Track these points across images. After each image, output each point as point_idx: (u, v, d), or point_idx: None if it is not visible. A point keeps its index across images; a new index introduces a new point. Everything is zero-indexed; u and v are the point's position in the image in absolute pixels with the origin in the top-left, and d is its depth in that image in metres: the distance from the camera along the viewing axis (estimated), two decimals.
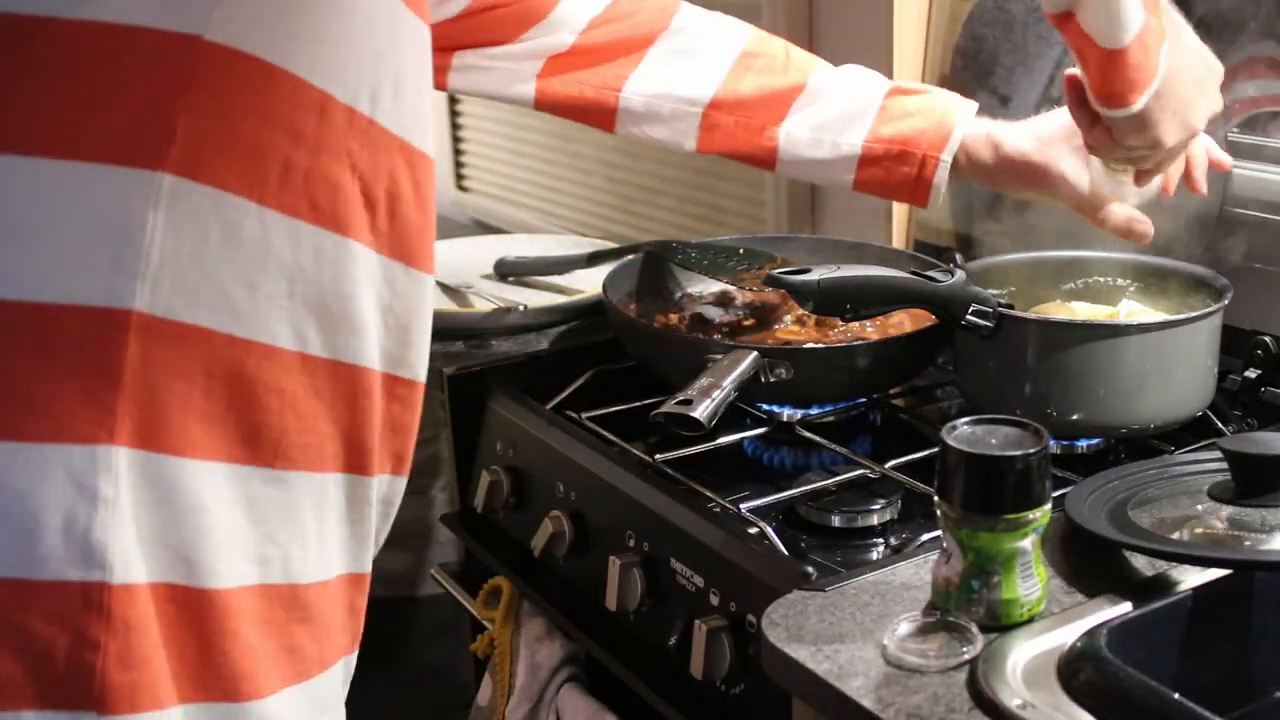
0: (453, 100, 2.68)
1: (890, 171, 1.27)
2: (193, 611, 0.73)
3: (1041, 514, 0.86)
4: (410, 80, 0.79)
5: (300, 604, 0.79)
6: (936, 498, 0.88)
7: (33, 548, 0.69)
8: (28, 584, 0.69)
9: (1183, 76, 1.06)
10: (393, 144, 0.78)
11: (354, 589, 0.84)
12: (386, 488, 0.85)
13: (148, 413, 0.71)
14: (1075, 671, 0.80)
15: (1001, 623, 0.87)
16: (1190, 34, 1.09)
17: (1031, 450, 0.85)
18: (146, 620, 0.71)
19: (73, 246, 0.69)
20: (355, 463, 0.81)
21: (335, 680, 0.83)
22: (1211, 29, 1.28)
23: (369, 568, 0.85)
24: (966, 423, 0.88)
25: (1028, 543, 0.86)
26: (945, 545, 0.88)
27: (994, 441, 0.86)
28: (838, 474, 1.18)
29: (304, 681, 0.79)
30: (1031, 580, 0.87)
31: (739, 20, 1.33)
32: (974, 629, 0.85)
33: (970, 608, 0.87)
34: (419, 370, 0.84)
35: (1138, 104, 1.03)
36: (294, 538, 0.78)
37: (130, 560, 0.70)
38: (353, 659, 0.85)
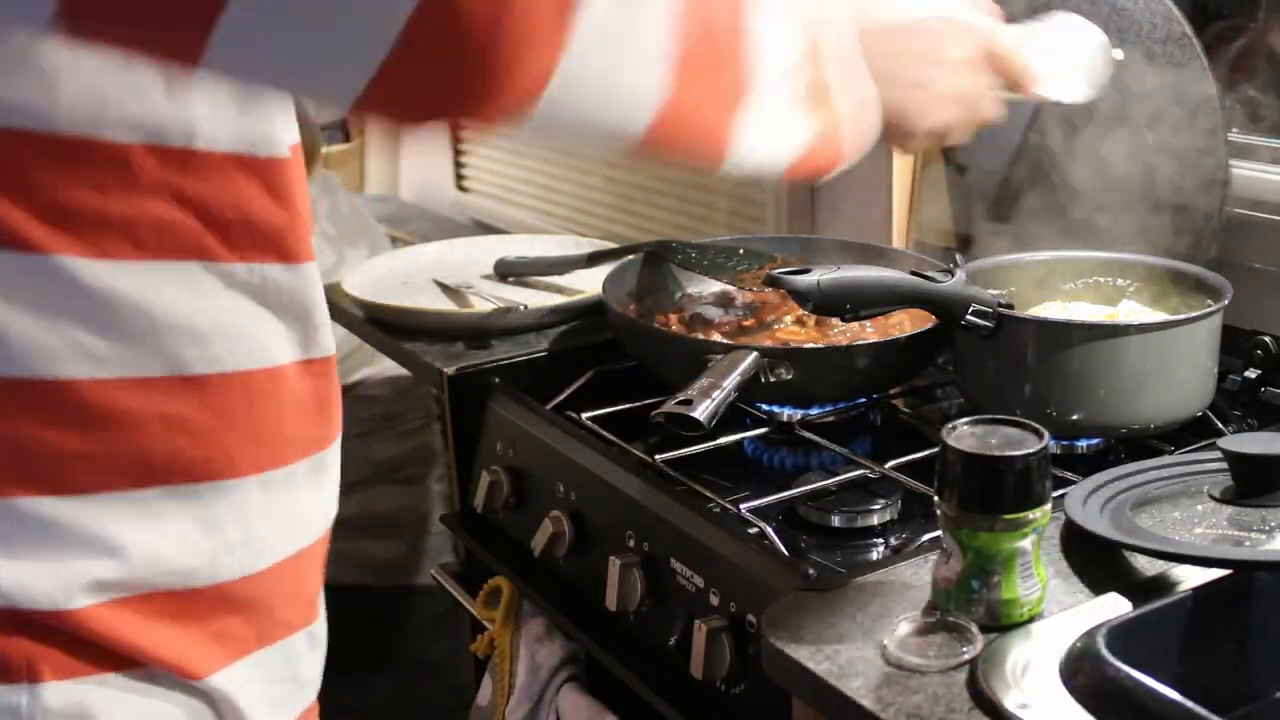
0: None
1: None
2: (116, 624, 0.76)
3: (1041, 514, 0.86)
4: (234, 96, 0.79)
5: (227, 599, 0.81)
6: (936, 498, 0.88)
7: None
8: None
9: (900, 74, 1.00)
10: (225, 163, 0.79)
11: (300, 565, 0.86)
12: (320, 457, 0.87)
13: (24, 465, 0.74)
14: (1075, 671, 0.80)
15: (1001, 623, 0.87)
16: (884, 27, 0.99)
17: (1031, 450, 0.85)
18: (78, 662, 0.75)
19: None
20: (272, 457, 0.82)
21: (292, 651, 0.86)
22: None
23: (317, 538, 0.87)
24: (967, 423, 0.88)
25: (1027, 543, 0.86)
26: (945, 545, 0.88)
27: (994, 442, 0.86)
28: (838, 474, 1.18)
29: (243, 657, 0.82)
30: (1031, 580, 0.87)
31: None
32: (974, 629, 0.85)
33: (970, 608, 0.87)
34: (329, 344, 0.87)
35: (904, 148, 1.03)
36: (218, 546, 0.80)
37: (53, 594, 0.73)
38: (316, 630, 0.89)
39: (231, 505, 0.81)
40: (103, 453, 0.76)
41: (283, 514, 0.85)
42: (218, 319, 0.79)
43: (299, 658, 0.89)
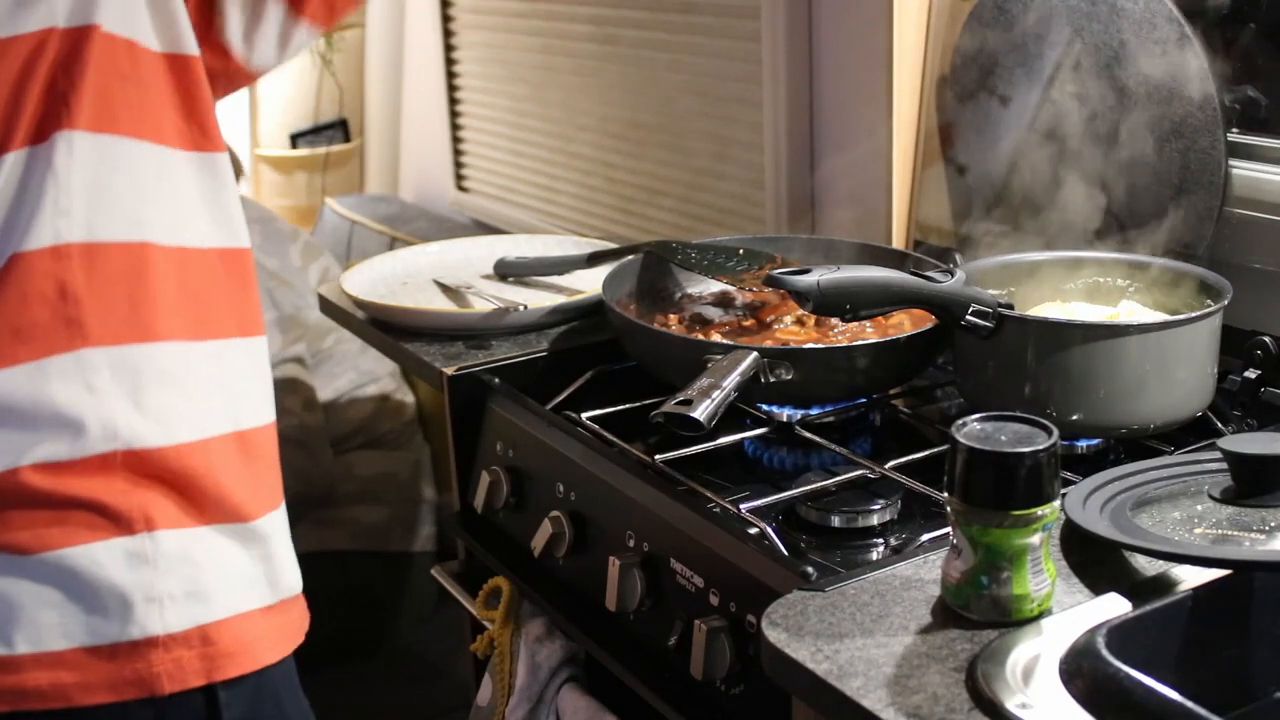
0: (453, 101, 2.68)
1: None
2: (175, 462, 0.96)
3: (1051, 510, 0.86)
4: None
5: (250, 445, 1.03)
6: (945, 494, 0.88)
7: (60, 432, 0.92)
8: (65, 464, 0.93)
9: None
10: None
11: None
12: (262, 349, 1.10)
13: (108, 315, 0.95)
14: (1075, 671, 0.80)
15: (1012, 618, 0.87)
16: None
17: (1042, 446, 0.85)
18: (156, 471, 0.95)
19: (28, 205, 0.93)
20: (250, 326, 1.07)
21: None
22: None
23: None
24: (976, 419, 0.88)
25: (1037, 539, 0.86)
26: (955, 542, 0.88)
27: (1004, 438, 0.86)
28: (838, 474, 1.18)
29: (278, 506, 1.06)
30: (1042, 576, 0.87)
31: None
32: None
33: (980, 604, 0.87)
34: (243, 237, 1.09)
35: None
36: (241, 393, 1.03)
37: (133, 427, 0.94)
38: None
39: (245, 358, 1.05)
40: (180, 305, 0.99)
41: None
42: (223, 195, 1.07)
43: None
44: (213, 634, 0.95)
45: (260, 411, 1.06)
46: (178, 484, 0.96)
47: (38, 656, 0.90)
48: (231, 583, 0.99)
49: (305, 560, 1.12)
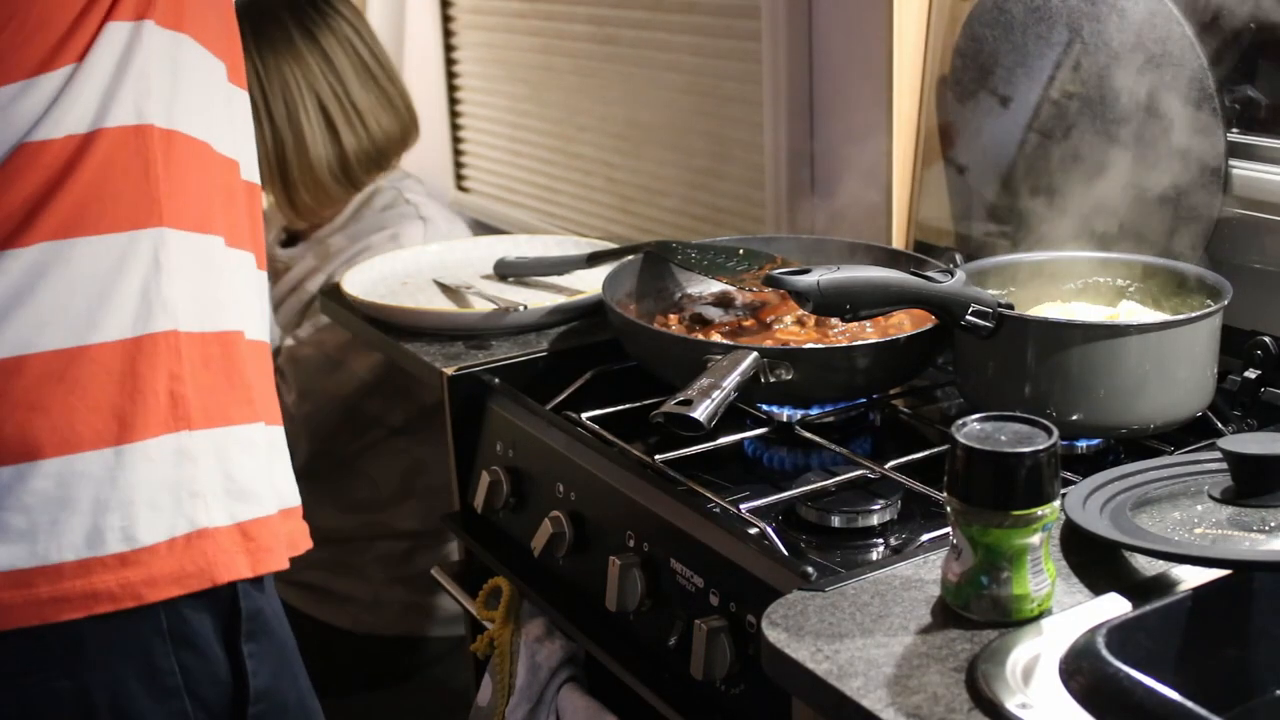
0: (453, 101, 2.68)
1: None
2: (227, 351, 1.02)
3: (1051, 510, 0.86)
4: None
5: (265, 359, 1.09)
6: (945, 494, 0.88)
7: (125, 307, 0.97)
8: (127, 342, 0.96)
9: None
10: None
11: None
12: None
13: (180, 201, 0.99)
14: (1075, 671, 0.80)
15: (1012, 618, 0.87)
16: None
17: (1042, 446, 0.85)
18: (202, 358, 1.00)
19: (110, 87, 0.97)
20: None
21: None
22: None
23: None
24: (976, 419, 0.88)
25: (1037, 539, 0.86)
26: (954, 542, 0.88)
27: (1004, 438, 0.86)
28: (838, 474, 1.18)
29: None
30: (1042, 576, 0.87)
31: None
32: None
33: (979, 603, 0.87)
34: (256, 174, 1.14)
35: None
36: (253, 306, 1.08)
37: (188, 311, 0.99)
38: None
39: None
40: (228, 208, 1.06)
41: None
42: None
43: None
44: (252, 530, 1.02)
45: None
46: (213, 373, 1.02)
47: (106, 559, 0.95)
48: (260, 483, 1.04)
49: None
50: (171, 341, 0.98)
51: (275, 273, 2.02)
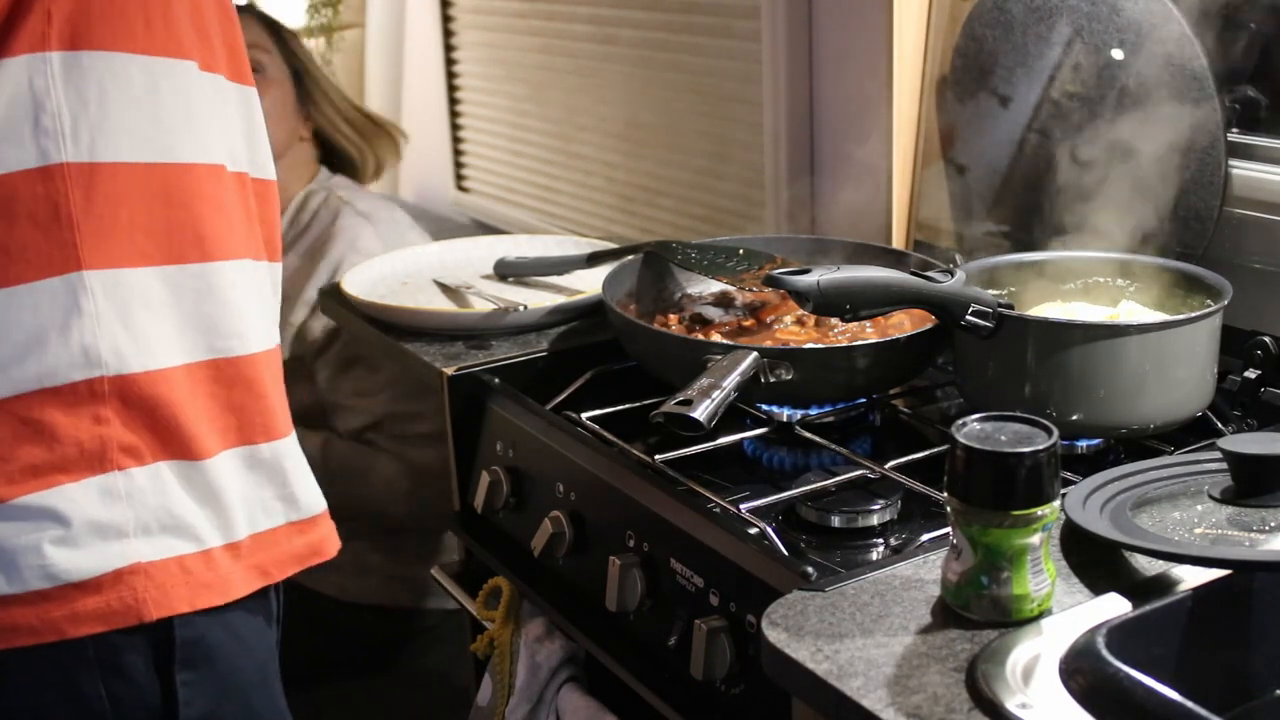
0: (453, 101, 2.68)
1: None
2: (155, 388, 0.96)
3: (1051, 510, 0.86)
4: None
5: (241, 376, 1.03)
6: (945, 494, 0.88)
7: (44, 358, 0.93)
8: (45, 391, 0.93)
9: None
10: None
11: (278, 360, 1.08)
12: (277, 273, 1.11)
13: (109, 239, 0.94)
14: (1075, 671, 0.80)
15: (1012, 618, 0.87)
16: None
17: (1042, 446, 0.85)
18: (145, 398, 0.96)
19: (4, 130, 0.92)
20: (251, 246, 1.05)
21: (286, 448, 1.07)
22: None
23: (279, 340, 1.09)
24: (976, 419, 0.88)
25: (1037, 539, 0.86)
26: (954, 542, 0.88)
27: (1004, 438, 0.86)
28: (838, 474, 1.18)
29: (249, 446, 1.04)
30: (1041, 576, 0.87)
31: None
32: None
33: (980, 603, 0.87)
34: (269, 168, 1.09)
35: None
36: (232, 317, 1.02)
37: (119, 353, 0.95)
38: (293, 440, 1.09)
39: (235, 281, 1.03)
40: (163, 228, 0.98)
41: (267, 303, 1.08)
42: (207, 123, 1.03)
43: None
44: (191, 564, 0.98)
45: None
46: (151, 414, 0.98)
47: (25, 596, 0.93)
48: (198, 517, 1.00)
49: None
50: (98, 387, 0.94)
51: None
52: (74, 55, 0.93)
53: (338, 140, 2.10)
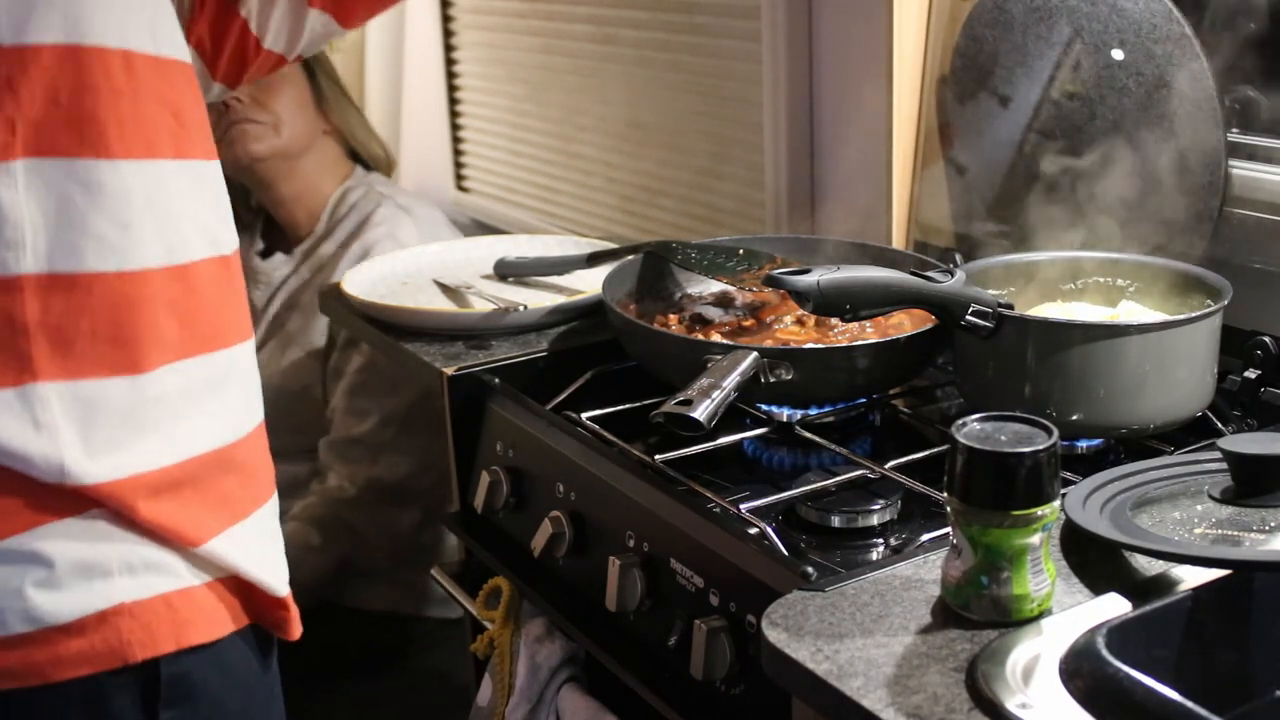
0: (453, 101, 2.68)
1: None
2: (123, 493, 0.92)
3: (1051, 510, 0.86)
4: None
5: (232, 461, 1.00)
6: (945, 494, 0.88)
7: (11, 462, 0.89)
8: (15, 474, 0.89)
9: None
10: (174, 68, 0.97)
11: (263, 434, 1.06)
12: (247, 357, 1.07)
13: (60, 349, 0.90)
14: (1075, 671, 0.80)
15: (1012, 618, 0.87)
16: None
17: (1042, 446, 0.85)
18: (107, 494, 0.92)
19: None
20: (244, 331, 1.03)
21: (268, 514, 1.04)
22: None
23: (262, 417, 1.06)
24: (976, 419, 0.88)
25: (1037, 539, 0.86)
26: (955, 542, 0.88)
27: (1004, 438, 0.86)
28: (838, 474, 1.18)
29: (240, 521, 1.00)
30: (1042, 576, 0.87)
31: None
32: None
33: (980, 603, 0.87)
34: (234, 240, 1.05)
35: None
36: (220, 406, 0.99)
37: (84, 465, 0.91)
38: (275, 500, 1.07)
39: (228, 369, 1.00)
40: (170, 327, 0.94)
41: (253, 383, 1.04)
42: (188, 209, 0.98)
43: (268, 523, 1.05)
44: (176, 601, 0.97)
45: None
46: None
47: (7, 639, 0.92)
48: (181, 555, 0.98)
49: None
50: (66, 489, 0.91)
51: (259, 284, 2.06)
52: (37, 163, 0.90)
53: (357, 136, 2.10)
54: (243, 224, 2.14)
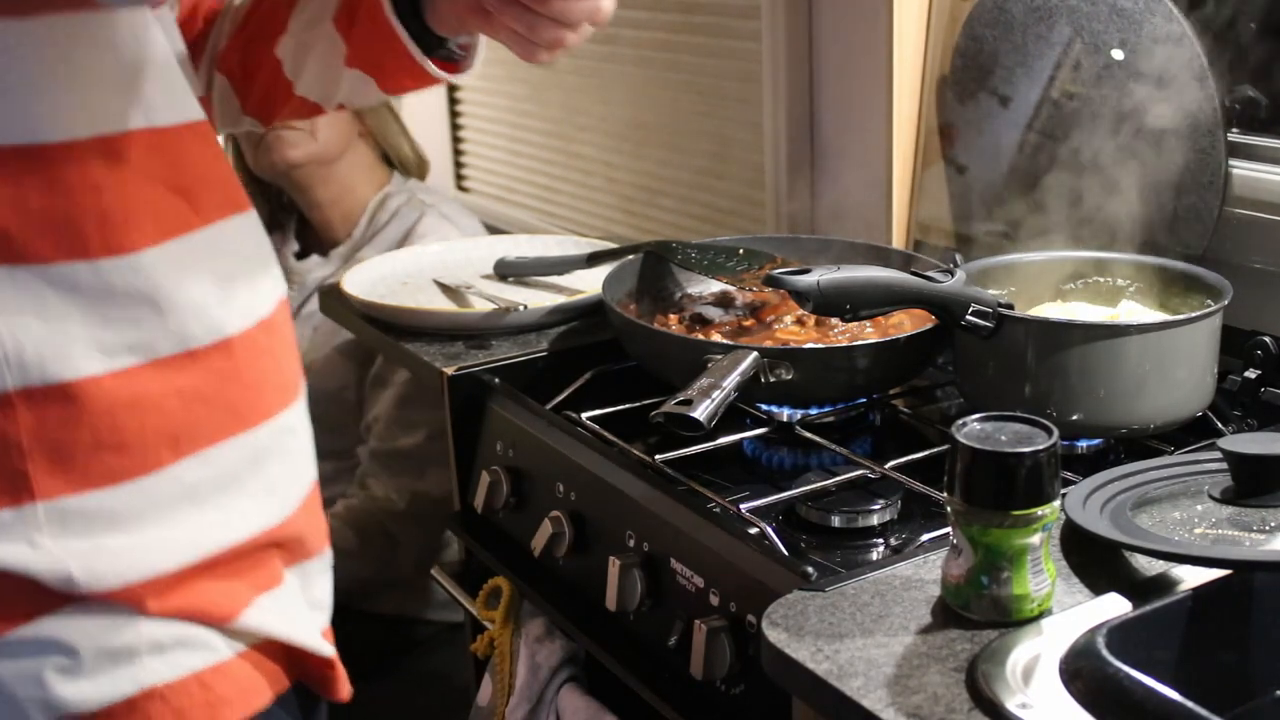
0: (453, 101, 2.68)
1: (368, 31, 1.08)
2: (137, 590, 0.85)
3: (1051, 510, 0.86)
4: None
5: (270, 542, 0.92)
6: (945, 494, 0.88)
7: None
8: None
9: None
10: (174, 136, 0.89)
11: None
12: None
13: (59, 464, 0.82)
14: (1075, 671, 0.80)
15: (1012, 618, 0.87)
16: None
17: (1042, 446, 0.85)
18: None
19: None
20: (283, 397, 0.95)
21: (315, 570, 0.99)
22: None
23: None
24: (976, 419, 0.88)
25: (1037, 539, 0.86)
26: (955, 542, 0.88)
27: (1004, 438, 0.86)
28: (838, 474, 1.18)
29: (277, 586, 0.94)
30: (1042, 576, 0.87)
31: None
32: None
33: (980, 604, 0.87)
34: (277, 292, 0.97)
35: None
36: (263, 485, 0.91)
37: (94, 574, 0.83)
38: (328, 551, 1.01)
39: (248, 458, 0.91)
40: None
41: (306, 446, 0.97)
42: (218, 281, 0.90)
43: (314, 580, 0.99)
44: (210, 679, 0.90)
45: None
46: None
47: None
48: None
49: None
50: (72, 596, 0.84)
51: (293, 285, 2.07)
52: (11, 270, 0.82)
53: (390, 138, 2.11)
54: (277, 224, 2.15)
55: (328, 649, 0.97)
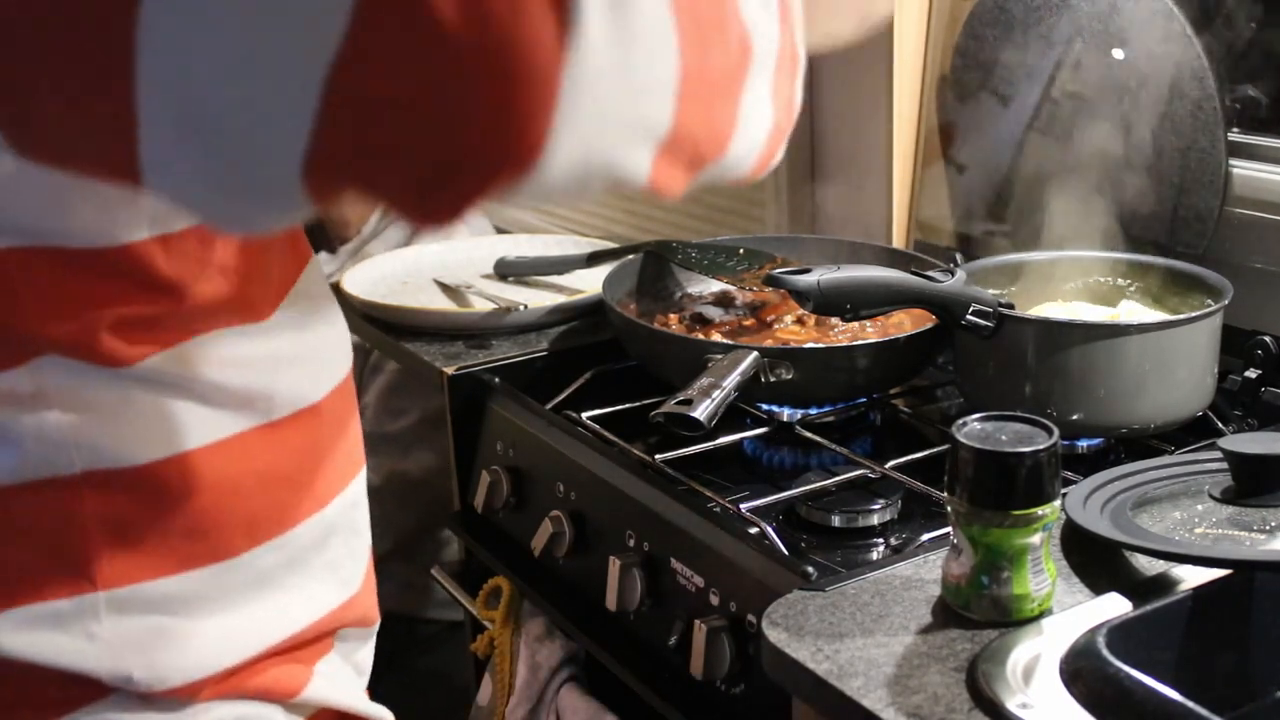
0: None
1: None
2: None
3: (1051, 510, 0.86)
4: None
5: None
6: (946, 494, 0.88)
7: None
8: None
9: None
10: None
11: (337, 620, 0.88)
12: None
13: (124, 550, 0.75)
14: (1075, 671, 0.80)
15: (1013, 618, 0.87)
16: None
17: (1043, 446, 0.85)
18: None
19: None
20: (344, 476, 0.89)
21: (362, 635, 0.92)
22: None
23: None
24: (977, 419, 0.88)
25: (1037, 539, 0.86)
26: (955, 542, 0.88)
27: (1004, 438, 0.86)
28: (838, 474, 1.18)
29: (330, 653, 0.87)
30: (1042, 575, 0.87)
31: None
32: None
33: (980, 603, 0.87)
34: (337, 375, 0.89)
35: None
36: (327, 564, 0.85)
37: (156, 672, 0.76)
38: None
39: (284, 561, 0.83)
40: (185, 528, 0.77)
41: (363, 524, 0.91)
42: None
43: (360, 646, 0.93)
44: None
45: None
46: None
47: None
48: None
49: None
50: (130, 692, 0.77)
51: None
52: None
53: None
54: None
55: (385, 713, 0.93)
